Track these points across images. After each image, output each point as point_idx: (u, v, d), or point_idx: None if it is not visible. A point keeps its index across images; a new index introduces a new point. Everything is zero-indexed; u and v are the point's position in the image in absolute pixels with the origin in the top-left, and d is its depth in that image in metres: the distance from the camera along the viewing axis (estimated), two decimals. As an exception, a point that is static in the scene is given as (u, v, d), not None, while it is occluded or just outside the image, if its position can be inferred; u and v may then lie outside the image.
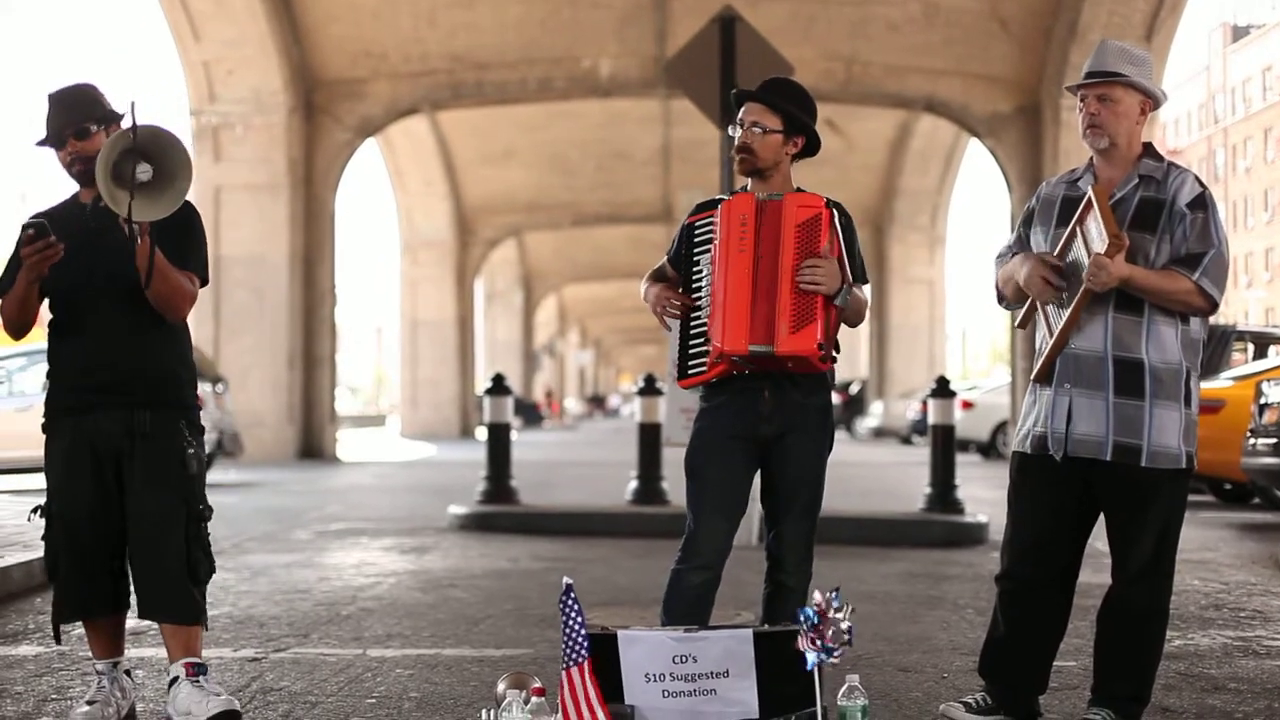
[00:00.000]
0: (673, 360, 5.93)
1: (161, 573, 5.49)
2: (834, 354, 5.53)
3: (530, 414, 63.35)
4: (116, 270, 5.45)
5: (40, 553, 9.93)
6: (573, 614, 4.89)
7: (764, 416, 5.56)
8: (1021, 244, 5.55)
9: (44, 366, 16.85)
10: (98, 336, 5.52)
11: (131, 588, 5.67)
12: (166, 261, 5.40)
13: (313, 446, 30.43)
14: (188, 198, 5.64)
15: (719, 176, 12.73)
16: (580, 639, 4.89)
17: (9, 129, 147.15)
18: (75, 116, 5.53)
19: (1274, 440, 13.90)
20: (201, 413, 5.81)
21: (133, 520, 5.52)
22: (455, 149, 46.98)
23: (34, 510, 5.73)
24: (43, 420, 5.69)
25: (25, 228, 5.37)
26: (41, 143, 5.61)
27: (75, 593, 5.62)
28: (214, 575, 5.73)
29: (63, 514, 5.57)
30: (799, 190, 5.63)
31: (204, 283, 5.68)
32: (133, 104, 5.29)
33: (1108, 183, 5.31)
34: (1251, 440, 14.32)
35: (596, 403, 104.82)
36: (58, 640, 5.88)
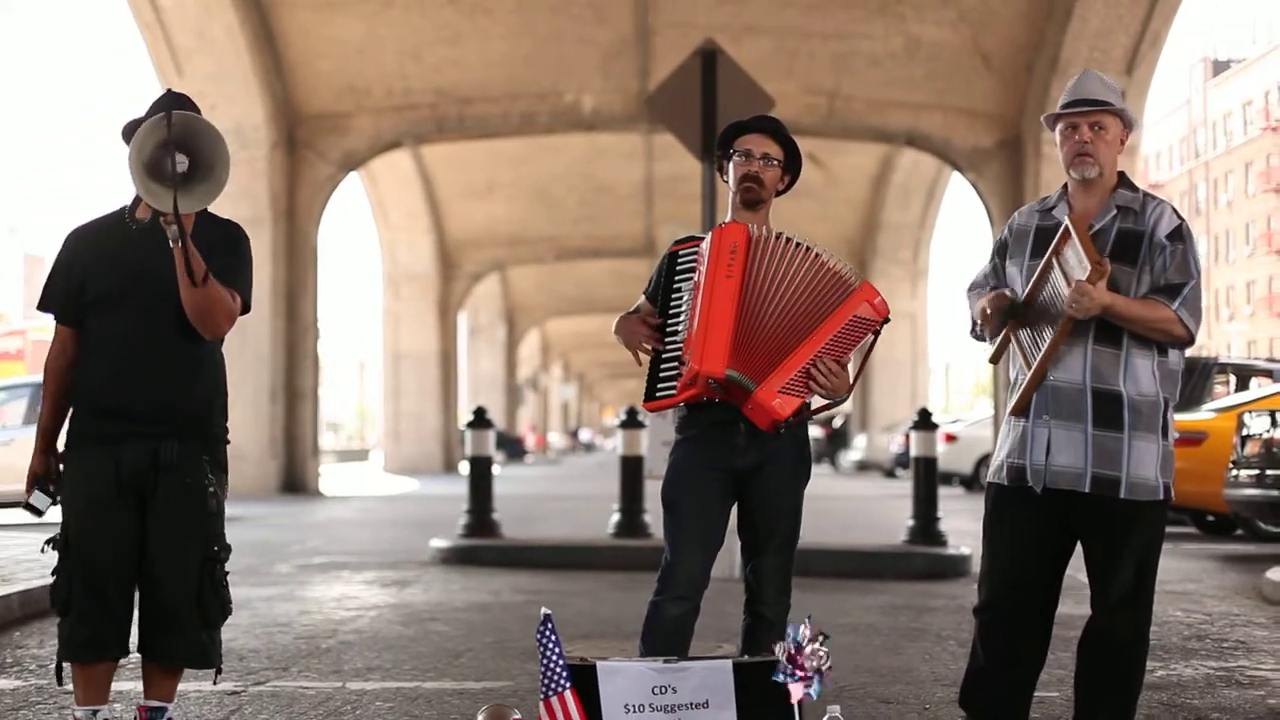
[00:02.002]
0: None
1: (171, 614, 5.27)
2: (783, 429, 5.46)
3: (513, 448, 63.26)
4: (160, 290, 5.23)
5: (19, 586, 9.94)
6: (550, 644, 4.87)
7: (740, 449, 5.53)
8: (997, 274, 5.52)
9: (24, 402, 16.79)
10: (131, 358, 5.29)
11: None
12: (207, 269, 5.15)
13: (295, 481, 30.35)
14: (237, 220, 5.51)
15: (701, 211, 12.74)
16: (559, 669, 4.88)
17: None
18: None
19: (1256, 471, 13.93)
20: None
21: (148, 557, 5.29)
22: (438, 183, 47.05)
23: (48, 542, 5.43)
24: (64, 447, 5.44)
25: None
26: (125, 133, 5.33)
27: (89, 631, 5.29)
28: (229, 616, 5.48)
29: (80, 548, 5.29)
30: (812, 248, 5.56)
31: (246, 307, 5.43)
32: (168, 91, 5.19)
33: (1084, 212, 5.31)
34: (1234, 472, 14.35)
35: (571, 436, 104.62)
36: (59, 681, 5.47)
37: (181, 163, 5.01)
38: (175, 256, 5.10)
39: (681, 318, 5.52)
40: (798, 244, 5.46)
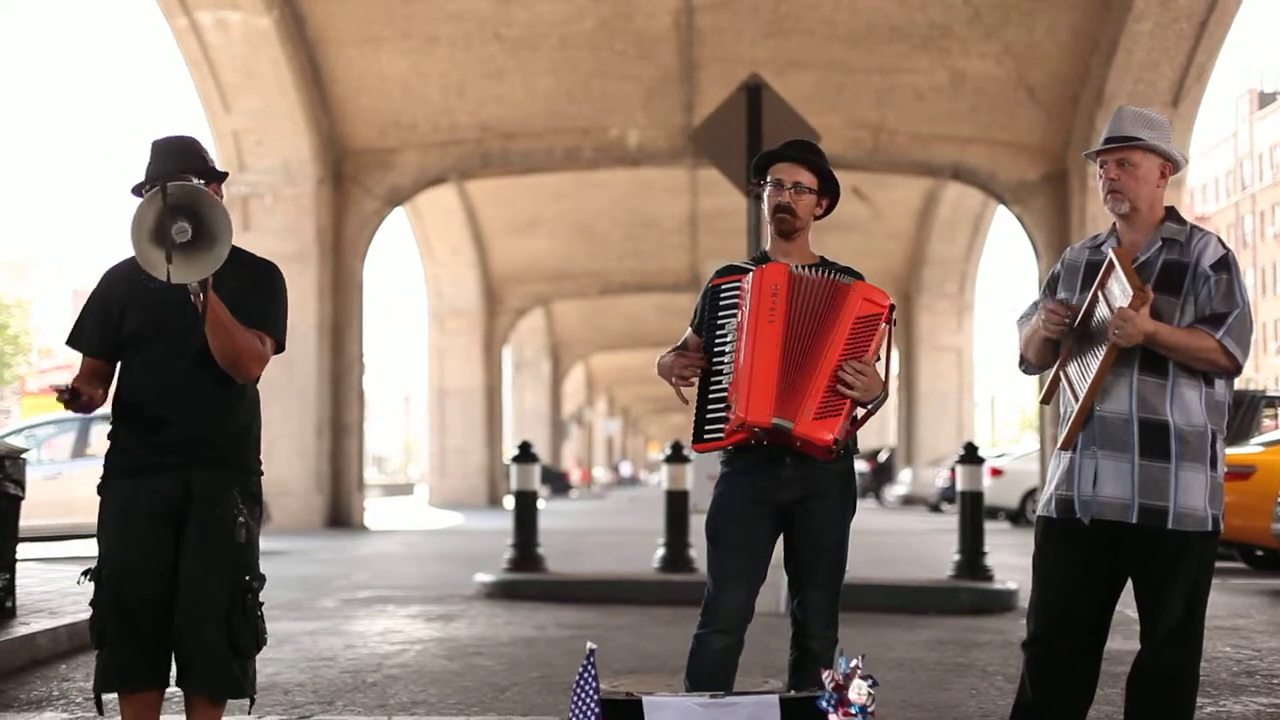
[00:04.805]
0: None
1: (203, 643, 5.26)
2: (842, 451, 5.50)
3: (558, 482, 63.26)
4: (187, 329, 5.26)
5: (66, 619, 9.98)
6: (588, 679, 4.85)
7: (785, 482, 5.52)
8: (1047, 308, 5.51)
9: (72, 435, 16.81)
10: (164, 395, 5.33)
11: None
12: (232, 319, 5.20)
13: (340, 515, 30.40)
14: (272, 259, 5.49)
15: (746, 245, 12.73)
16: (591, 707, 4.85)
17: (48, 195, 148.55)
18: (169, 166, 5.34)
19: (1305, 506, 13.80)
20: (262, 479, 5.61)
21: (180, 587, 5.29)
22: (483, 218, 47.20)
23: (84, 573, 5.44)
24: (99, 481, 5.45)
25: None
26: (135, 191, 5.41)
27: (121, 660, 5.31)
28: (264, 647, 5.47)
29: (114, 578, 5.31)
30: (828, 265, 5.61)
31: (280, 346, 5.45)
32: (168, 139, 5.23)
33: (1130, 246, 5.29)
34: (1283, 506, 14.22)
35: (613, 471, 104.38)
36: (100, 710, 5.52)
37: (183, 231, 4.97)
38: (197, 307, 5.12)
39: (726, 358, 5.52)
40: (831, 276, 5.50)
